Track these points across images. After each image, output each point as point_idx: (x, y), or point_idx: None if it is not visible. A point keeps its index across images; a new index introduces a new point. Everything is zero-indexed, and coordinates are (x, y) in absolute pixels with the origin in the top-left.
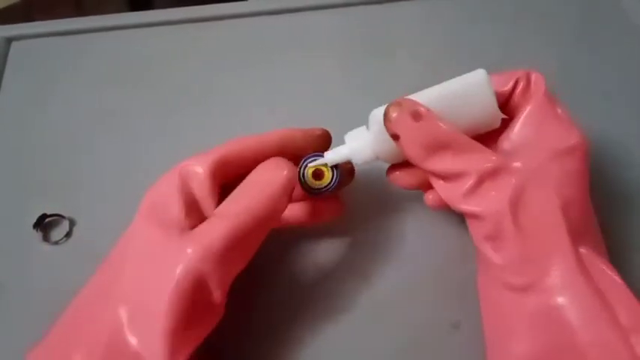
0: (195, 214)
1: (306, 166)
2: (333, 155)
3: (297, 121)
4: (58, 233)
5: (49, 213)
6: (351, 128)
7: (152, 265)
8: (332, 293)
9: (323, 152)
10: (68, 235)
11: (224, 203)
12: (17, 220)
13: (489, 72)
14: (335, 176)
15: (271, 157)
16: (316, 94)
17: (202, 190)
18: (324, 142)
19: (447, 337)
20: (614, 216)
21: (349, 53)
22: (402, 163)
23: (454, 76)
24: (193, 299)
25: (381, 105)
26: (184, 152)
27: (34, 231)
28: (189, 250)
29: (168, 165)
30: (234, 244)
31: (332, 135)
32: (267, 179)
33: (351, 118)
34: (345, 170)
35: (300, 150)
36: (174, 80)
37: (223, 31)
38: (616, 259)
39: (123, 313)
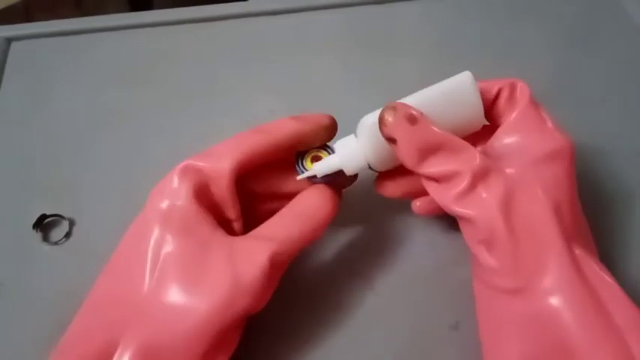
0: (216, 218)
1: (304, 157)
2: (323, 166)
3: None
4: (57, 233)
5: (48, 213)
6: (351, 127)
7: (189, 282)
8: (330, 294)
9: (328, 143)
10: (68, 235)
11: (269, 225)
12: (17, 220)
13: (486, 72)
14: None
15: (283, 152)
16: (316, 94)
17: (225, 194)
18: (330, 133)
19: (446, 338)
20: (609, 218)
21: (349, 53)
22: (389, 173)
23: (452, 76)
24: (231, 326)
25: (377, 105)
26: (184, 152)
27: (34, 231)
28: (238, 276)
29: (168, 165)
30: (278, 272)
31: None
32: (315, 211)
33: (351, 117)
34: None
35: (310, 144)
36: (174, 80)
37: (224, 31)
38: (608, 260)
39: (150, 328)
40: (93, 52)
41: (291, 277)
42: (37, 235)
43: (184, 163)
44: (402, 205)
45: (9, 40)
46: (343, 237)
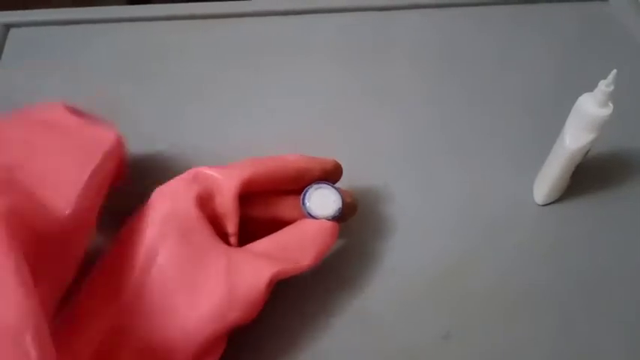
0: (215, 228)
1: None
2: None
3: (296, 122)
4: None
5: None
6: (349, 131)
7: (184, 287)
8: (324, 302)
9: (333, 182)
10: None
11: (269, 243)
12: None
13: (486, 81)
14: (336, 213)
15: (288, 182)
16: (315, 96)
17: (227, 207)
18: (336, 174)
19: (437, 348)
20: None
21: (349, 57)
22: None
23: (452, 83)
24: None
25: (376, 111)
26: (182, 149)
27: None
28: (234, 289)
29: (166, 162)
30: (270, 289)
31: (329, 137)
32: (317, 239)
33: (349, 121)
34: (347, 205)
35: (315, 179)
36: (174, 77)
37: (224, 29)
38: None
39: (141, 327)
40: (91, 42)
41: (283, 284)
42: None
43: (196, 169)
44: (398, 215)
45: (7, 27)
46: (337, 246)
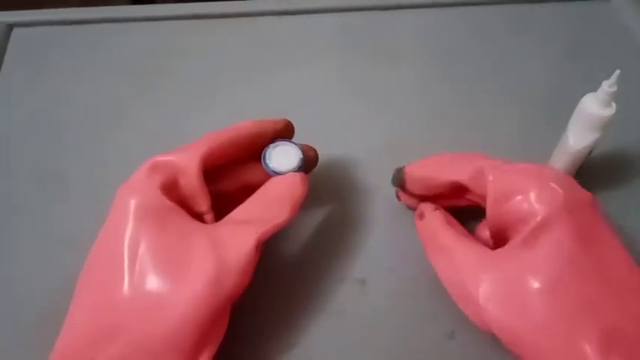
0: (189, 211)
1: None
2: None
3: (296, 121)
4: None
5: (44, 208)
6: (349, 131)
7: (173, 272)
8: (323, 300)
9: (289, 139)
10: None
11: (246, 209)
12: (14, 215)
13: (485, 83)
14: (299, 164)
15: (246, 149)
16: (315, 96)
17: (194, 187)
18: (289, 132)
19: (441, 348)
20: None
21: (350, 57)
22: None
23: (451, 84)
24: (218, 314)
25: (371, 111)
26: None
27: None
28: (223, 258)
29: None
30: (259, 251)
31: (329, 138)
32: (289, 192)
33: (349, 120)
34: (308, 158)
35: (270, 140)
36: (177, 76)
37: (227, 29)
38: None
39: (140, 323)
40: (94, 42)
41: (284, 280)
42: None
43: (152, 159)
44: (400, 213)
45: (10, 26)
46: (340, 243)
